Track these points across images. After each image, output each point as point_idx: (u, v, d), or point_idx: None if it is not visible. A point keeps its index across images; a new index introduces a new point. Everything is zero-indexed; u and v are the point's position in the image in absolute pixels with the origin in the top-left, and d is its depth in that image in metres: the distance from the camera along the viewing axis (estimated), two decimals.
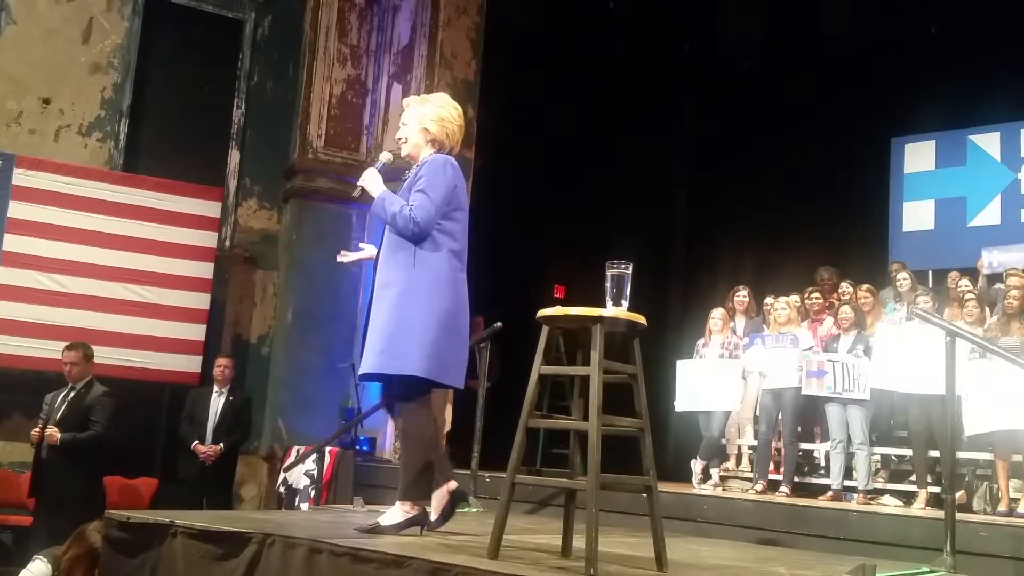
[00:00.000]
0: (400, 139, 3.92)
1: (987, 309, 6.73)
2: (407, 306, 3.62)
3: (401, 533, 3.69)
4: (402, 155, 3.92)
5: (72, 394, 6.65)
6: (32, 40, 8.65)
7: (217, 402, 7.61)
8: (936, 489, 6.08)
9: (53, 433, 6.41)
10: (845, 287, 7.46)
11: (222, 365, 7.77)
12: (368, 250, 4.08)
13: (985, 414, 5.61)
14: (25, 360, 7.96)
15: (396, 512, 3.73)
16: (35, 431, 6.53)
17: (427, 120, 3.84)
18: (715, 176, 11.07)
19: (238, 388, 7.95)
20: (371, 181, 3.79)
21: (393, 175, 3.91)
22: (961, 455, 5.96)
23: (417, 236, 3.64)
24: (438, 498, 3.79)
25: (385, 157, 3.96)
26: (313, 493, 7.08)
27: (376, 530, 3.65)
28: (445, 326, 3.64)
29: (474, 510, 5.69)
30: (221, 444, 7.45)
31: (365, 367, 3.69)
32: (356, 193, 3.88)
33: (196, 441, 7.44)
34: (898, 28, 10.09)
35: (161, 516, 3.79)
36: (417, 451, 3.71)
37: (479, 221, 8.31)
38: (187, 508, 6.64)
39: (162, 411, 8.62)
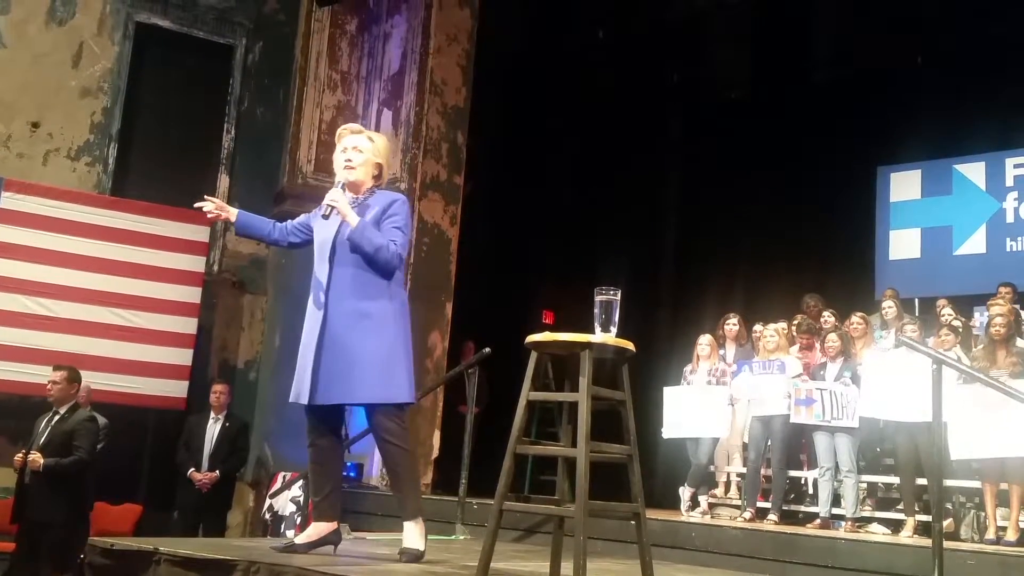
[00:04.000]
0: (350, 163, 3.86)
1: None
2: (390, 335, 3.72)
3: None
4: (347, 179, 3.86)
5: (56, 418, 6.59)
6: (22, 64, 8.66)
7: (213, 429, 7.55)
8: (924, 517, 6.07)
9: (36, 458, 6.35)
10: (827, 316, 7.48)
11: (218, 391, 7.71)
12: (231, 212, 3.97)
13: (972, 440, 5.60)
14: (10, 384, 7.90)
15: (418, 531, 3.72)
16: (18, 456, 6.47)
17: (380, 155, 3.93)
18: (703, 203, 11.12)
19: (234, 414, 7.85)
20: (343, 204, 3.74)
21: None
22: (949, 483, 5.95)
23: (394, 270, 3.76)
24: (320, 529, 3.83)
25: (343, 180, 3.90)
26: (299, 520, 7.03)
27: (419, 557, 3.66)
28: (411, 351, 3.85)
29: (461, 537, 5.67)
30: (217, 472, 7.40)
31: (352, 398, 3.71)
32: (325, 213, 3.79)
33: (192, 468, 7.39)
34: (884, 58, 10.18)
35: (145, 543, 3.75)
36: (416, 468, 3.97)
37: (469, 247, 8.47)
38: (184, 535, 6.61)
39: (147, 436, 8.56)
